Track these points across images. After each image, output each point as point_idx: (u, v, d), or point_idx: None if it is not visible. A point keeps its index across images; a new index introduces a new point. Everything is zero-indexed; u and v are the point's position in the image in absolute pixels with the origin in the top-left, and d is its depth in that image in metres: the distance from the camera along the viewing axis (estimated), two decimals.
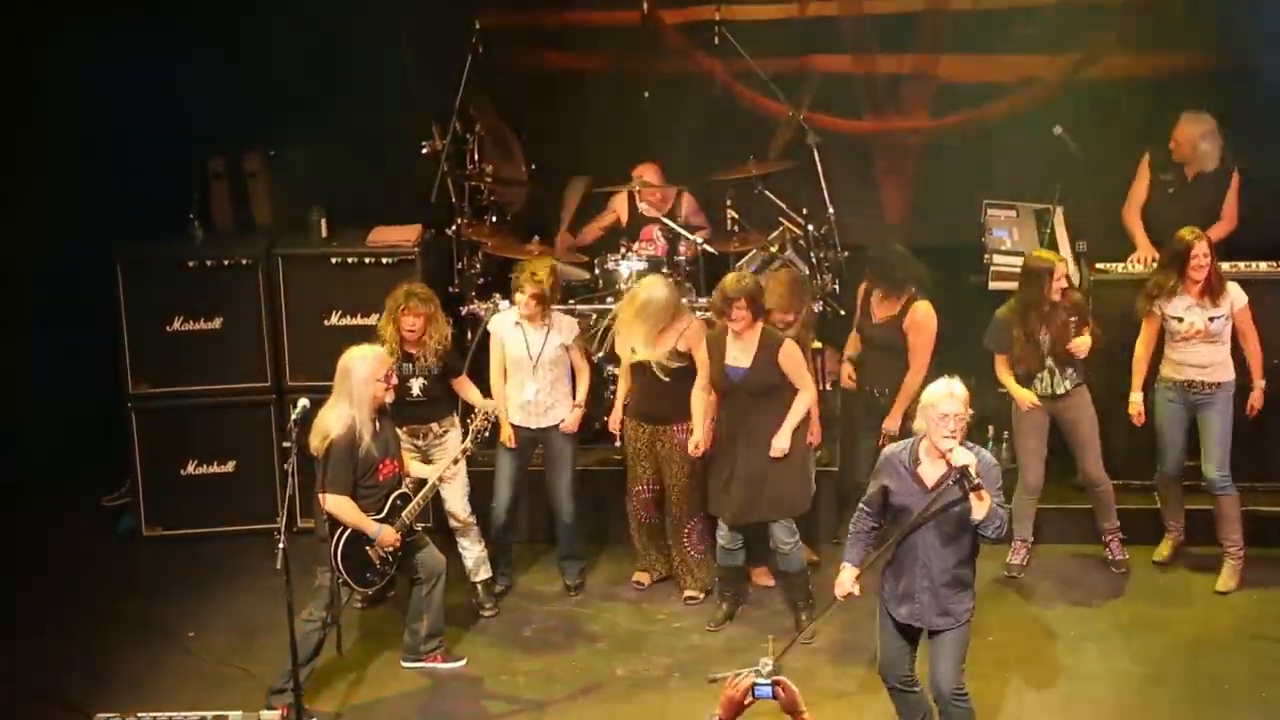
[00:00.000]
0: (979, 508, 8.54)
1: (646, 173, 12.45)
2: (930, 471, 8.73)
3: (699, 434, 10.71)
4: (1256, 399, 10.95)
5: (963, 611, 8.86)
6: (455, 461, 10.48)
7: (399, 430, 10.63)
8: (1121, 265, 11.74)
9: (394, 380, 10.06)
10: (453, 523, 11.00)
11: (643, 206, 12.43)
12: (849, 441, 11.63)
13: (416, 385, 10.79)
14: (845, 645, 10.42)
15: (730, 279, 10.50)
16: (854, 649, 10.35)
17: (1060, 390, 11.01)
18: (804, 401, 10.51)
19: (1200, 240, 10.73)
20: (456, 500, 10.94)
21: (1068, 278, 10.95)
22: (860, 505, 9.04)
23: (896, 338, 10.98)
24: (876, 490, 8.91)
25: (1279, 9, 12.20)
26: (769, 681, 7.30)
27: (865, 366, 11.31)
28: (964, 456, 8.55)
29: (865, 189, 13.29)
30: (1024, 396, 11.01)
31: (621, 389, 11.11)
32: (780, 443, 10.47)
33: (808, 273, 12.04)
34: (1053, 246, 11.52)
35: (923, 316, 10.92)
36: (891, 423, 10.97)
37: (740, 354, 10.45)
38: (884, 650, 9.12)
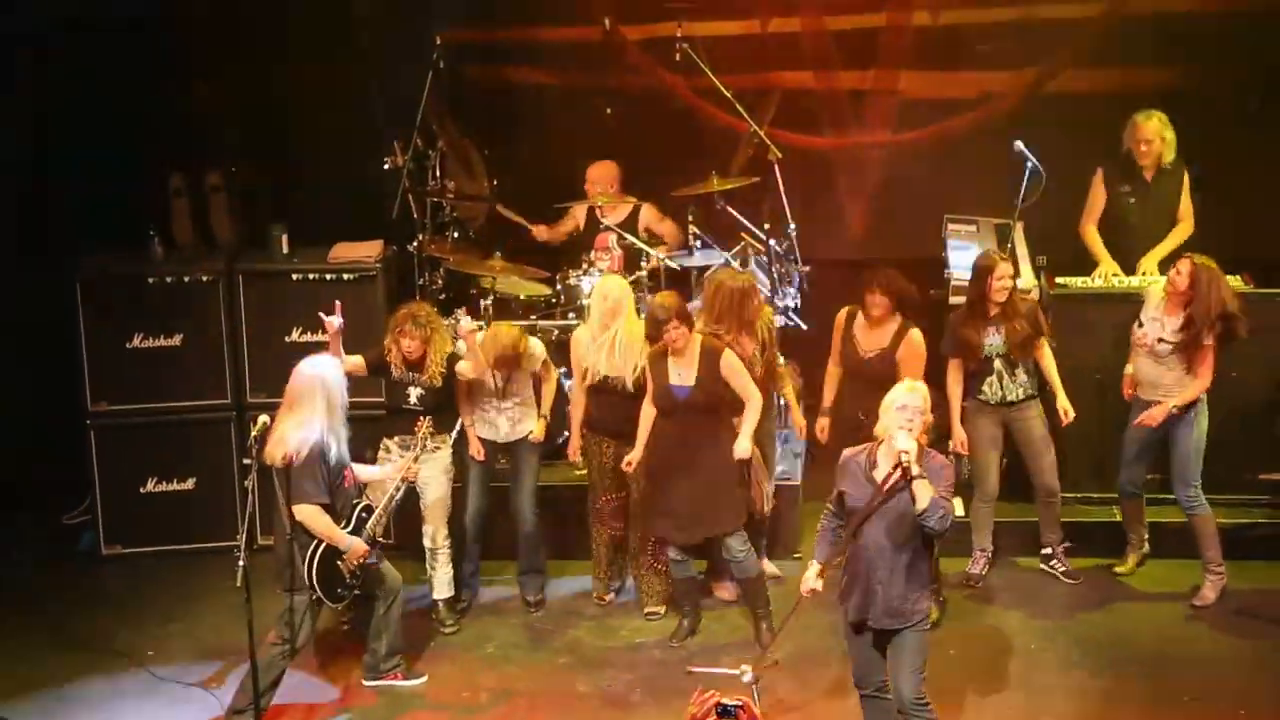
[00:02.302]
0: (920, 496, 8.58)
1: (598, 170, 12.47)
2: (884, 473, 8.81)
3: (638, 452, 10.75)
4: (1158, 413, 10.83)
5: (913, 613, 8.87)
6: (406, 472, 10.48)
7: (392, 440, 10.87)
8: (1082, 279, 11.78)
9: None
10: (427, 542, 11.04)
11: (599, 211, 12.46)
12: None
13: (414, 394, 10.83)
14: (805, 657, 10.44)
15: (656, 303, 10.59)
16: (813, 661, 10.39)
17: (1012, 397, 11.03)
18: (755, 408, 10.58)
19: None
20: (437, 522, 11.00)
21: (1022, 283, 10.99)
22: (826, 505, 9.15)
23: (890, 370, 10.80)
24: (837, 493, 9.02)
25: (1228, 26, 12.41)
26: (735, 704, 7.32)
27: (851, 393, 11.11)
28: (906, 442, 8.60)
29: (827, 204, 13.34)
30: (957, 432, 11.07)
31: (577, 415, 11.14)
32: (742, 445, 10.53)
33: (769, 287, 12.09)
34: (1013, 261, 11.49)
35: (917, 344, 10.88)
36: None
37: (682, 372, 10.54)
38: (855, 662, 9.20)
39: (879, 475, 8.83)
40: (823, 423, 11.21)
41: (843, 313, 11.10)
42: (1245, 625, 10.92)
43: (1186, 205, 11.94)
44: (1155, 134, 11.84)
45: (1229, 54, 12.48)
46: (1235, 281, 11.33)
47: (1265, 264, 11.70)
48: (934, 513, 8.62)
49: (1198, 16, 12.56)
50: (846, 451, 9.08)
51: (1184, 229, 11.88)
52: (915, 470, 8.57)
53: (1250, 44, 12.48)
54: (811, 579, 8.99)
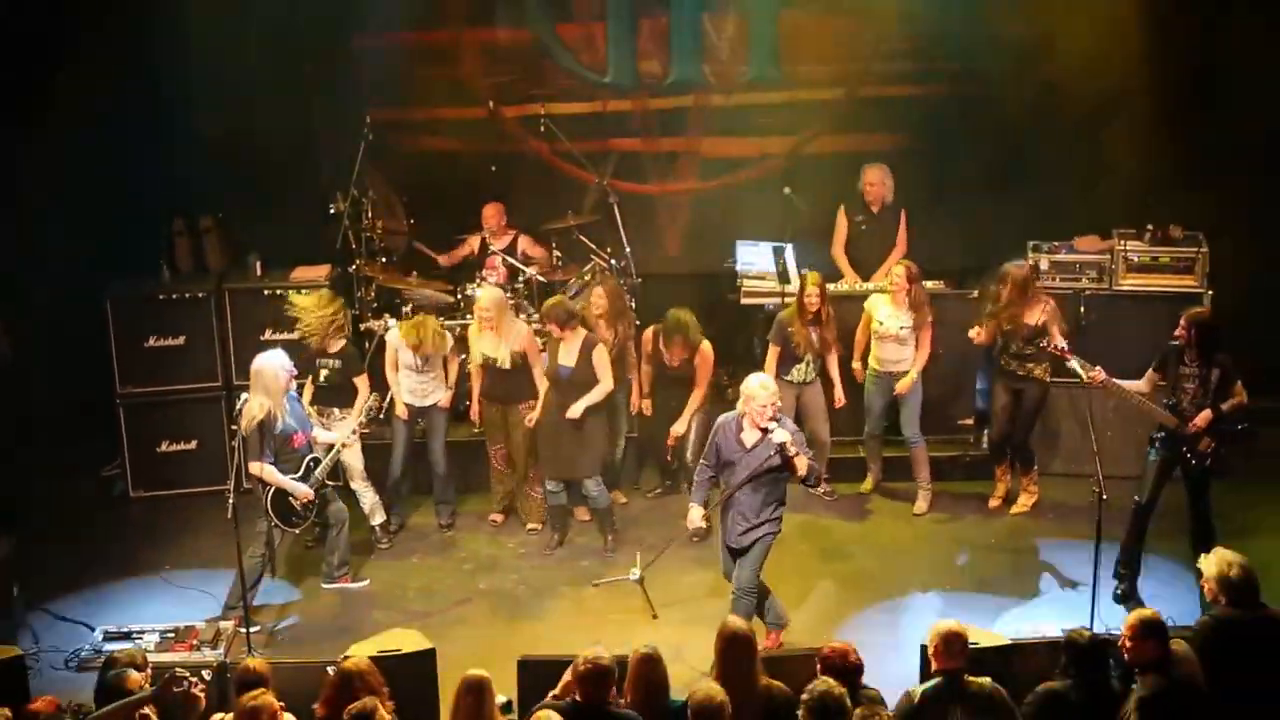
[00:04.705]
0: (801, 468, 8.86)
1: (490, 208, 12.38)
2: (749, 437, 8.98)
3: (538, 412, 10.81)
4: (905, 385, 11.04)
5: (762, 531, 9.07)
6: (353, 433, 10.50)
7: (312, 408, 10.69)
8: (833, 285, 11.71)
9: (294, 370, 10.13)
10: (353, 483, 10.97)
11: (489, 239, 12.35)
12: (654, 428, 11.51)
13: (323, 375, 10.79)
14: (690, 559, 10.56)
15: (558, 309, 10.64)
16: (702, 567, 10.45)
17: (809, 379, 11.12)
18: (601, 390, 10.67)
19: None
20: (356, 466, 10.93)
21: (823, 294, 10.96)
22: (701, 461, 9.30)
23: (688, 372, 11.08)
24: (711, 448, 9.14)
25: (943, 105, 12.53)
26: None
27: (661, 393, 11.33)
28: (781, 435, 8.80)
29: (651, 233, 13.20)
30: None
31: (475, 386, 11.12)
32: (575, 411, 10.54)
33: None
34: (785, 275, 11.60)
35: (708, 352, 11.06)
36: (680, 426, 11.13)
37: (567, 356, 10.63)
38: (724, 563, 9.41)
39: (744, 437, 8.96)
40: (647, 403, 11.38)
41: (650, 337, 11.18)
42: (946, 525, 11.22)
43: (902, 235, 11.97)
44: (878, 180, 11.96)
45: (937, 124, 12.46)
46: (938, 285, 11.55)
47: (958, 272, 11.93)
48: (810, 475, 8.97)
49: (913, 99, 12.62)
50: (721, 418, 9.18)
51: (899, 252, 11.90)
52: (794, 451, 8.79)
53: (953, 117, 12.45)
54: (697, 519, 9.21)
